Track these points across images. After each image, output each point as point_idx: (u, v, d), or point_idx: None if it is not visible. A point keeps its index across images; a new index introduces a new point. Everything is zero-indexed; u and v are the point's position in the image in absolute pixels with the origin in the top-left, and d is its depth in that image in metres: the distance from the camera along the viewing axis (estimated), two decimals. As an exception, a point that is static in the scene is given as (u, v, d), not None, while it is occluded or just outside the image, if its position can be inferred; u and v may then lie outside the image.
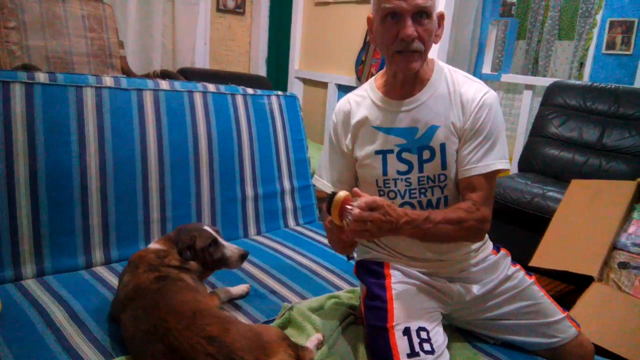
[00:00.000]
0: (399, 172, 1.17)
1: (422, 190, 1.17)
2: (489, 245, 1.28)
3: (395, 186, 1.18)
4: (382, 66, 2.79)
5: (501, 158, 1.14)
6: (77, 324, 1.17)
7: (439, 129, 1.14)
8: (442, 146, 1.14)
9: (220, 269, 1.32)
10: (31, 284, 1.33)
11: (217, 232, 1.31)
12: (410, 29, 1.07)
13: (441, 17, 1.13)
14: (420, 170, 1.16)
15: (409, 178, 1.17)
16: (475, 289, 1.21)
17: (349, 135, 1.23)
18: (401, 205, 1.19)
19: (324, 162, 1.30)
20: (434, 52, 2.86)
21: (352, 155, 1.24)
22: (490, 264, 1.23)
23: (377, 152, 1.18)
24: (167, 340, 0.96)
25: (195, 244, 1.25)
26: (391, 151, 1.17)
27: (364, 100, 1.22)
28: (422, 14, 1.07)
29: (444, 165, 1.15)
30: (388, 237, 1.22)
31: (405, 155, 1.16)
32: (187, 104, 1.73)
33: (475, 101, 1.12)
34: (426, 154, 1.15)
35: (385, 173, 1.18)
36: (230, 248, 1.30)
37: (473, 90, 1.14)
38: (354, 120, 1.21)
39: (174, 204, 1.65)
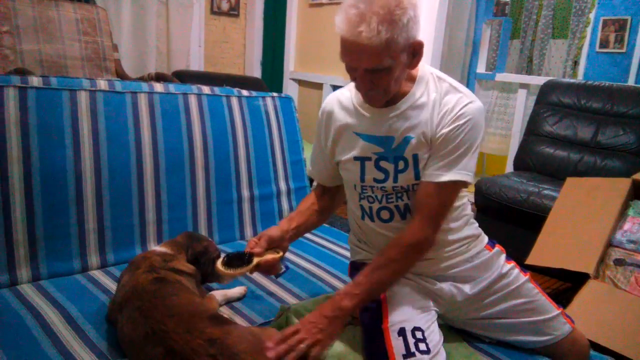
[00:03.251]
0: (375, 180, 1.16)
1: (399, 195, 1.16)
2: (483, 239, 1.27)
3: (372, 192, 1.18)
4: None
5: (462, 170, 1.08)
6: (73, 328, 1.16)
7: (413, 139, 1.11)
8: (415, 157, 1.12)
9: (211, 282, 1.35)
10: (27, 289, 1.33)
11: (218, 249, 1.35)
12: (361, 83, 1.05)
13: (418, 46, 1.03)
14: (395, 180, 1.14)
15: (385, 187, 1.16)
16: (467, 288, 1.21)
17: (330, 137, 1.23)
18: (378, 209, 1.18)
19: (312, 154, 1.34)
20: (428, 55, 2.86)
21: (330, 155, 1.25)
22: (484, 261, 1.23)
23: (356, 159, 1.18)
24: (167, 344, 0.96)
25: (208, 254, 1.27)
26: (369, 158, 1.16)
27: (347, 103, 1.20)
28: (374, 71, 1.01)
29: (417, 176, 1.13)
30: (377, 238, 1.23)
31: (382, 163, 1.15)
32: (181, 106, 1.73)
33: (454, 111, 1.08)
34: (401, 164, 1.13)
35: (362, 179, 1.18)
36: None
37: (455, 100, 1.09)
38: (337, 124, 1.20)
39: (170, 207, 1.65)
